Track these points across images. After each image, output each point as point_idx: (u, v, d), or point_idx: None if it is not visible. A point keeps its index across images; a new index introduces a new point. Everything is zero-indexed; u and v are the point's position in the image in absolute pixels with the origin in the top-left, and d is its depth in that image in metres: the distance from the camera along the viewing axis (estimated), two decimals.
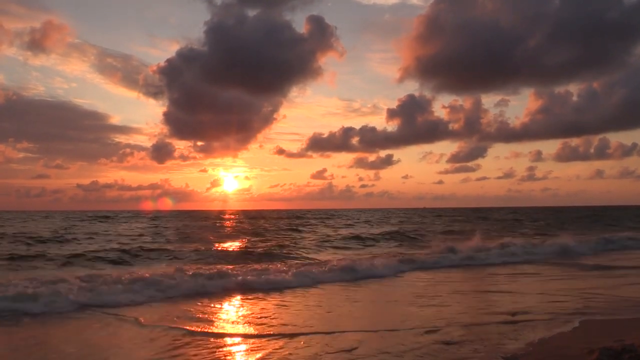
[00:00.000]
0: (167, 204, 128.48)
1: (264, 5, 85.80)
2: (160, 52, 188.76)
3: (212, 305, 10.20)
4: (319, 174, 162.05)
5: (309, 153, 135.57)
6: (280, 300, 10.59)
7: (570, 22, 60.05)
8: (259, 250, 21.58)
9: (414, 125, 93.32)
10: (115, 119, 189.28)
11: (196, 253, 19.94)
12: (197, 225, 47.32)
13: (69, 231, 33.66)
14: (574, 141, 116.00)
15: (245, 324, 8.43)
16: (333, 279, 13.41)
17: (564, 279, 13.62)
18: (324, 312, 9.35)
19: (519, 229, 38.57)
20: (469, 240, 21.72)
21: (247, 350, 6.82)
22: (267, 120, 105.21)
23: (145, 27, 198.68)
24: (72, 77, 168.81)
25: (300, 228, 39.76)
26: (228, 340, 7.39)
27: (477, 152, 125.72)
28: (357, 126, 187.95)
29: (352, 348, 6.67)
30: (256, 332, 7.77)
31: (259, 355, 6.51)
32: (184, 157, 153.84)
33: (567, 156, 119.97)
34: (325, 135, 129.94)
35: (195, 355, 6.52)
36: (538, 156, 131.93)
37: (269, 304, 10.25)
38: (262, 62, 64.03)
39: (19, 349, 6.99)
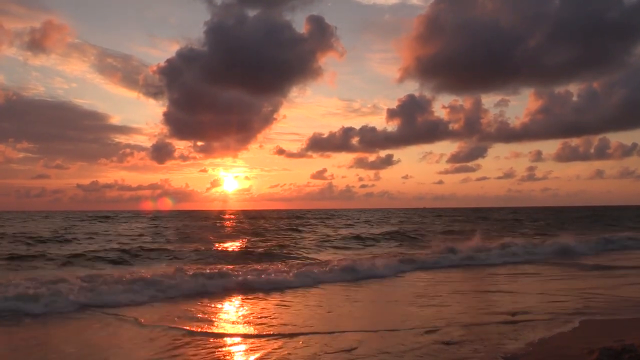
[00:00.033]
0: (167, 204, 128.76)
1: (264, 5, 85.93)
2: (160, 52, 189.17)
3: (212, 305, 10.20)
4: (319, 174, 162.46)
5: (309, 153, 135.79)
6: (281, 300, 10.59)
7: (570, 22, 60.16)
8: (259, 250, 21.58)
9: (414, 126, 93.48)
10: (115, 119, 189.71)
11: (196, 253, 19.94)
12: (197, 225, 47.32)
13: (69, 231, 33.67)
14: (574, 141, 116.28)
15: (245, 324, 8.43)
16: (334, 279, 13.41)
17: (564, 279, 13.62)
18: (324, 312, 9.35)
19: (519, 229, 38.57)
20: (469, 241, 21.73)
21: (246, 350, 6.83)
22: (267, 120, 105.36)
23: (145, 27, 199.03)
24: (72, 77, 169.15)
25: (301, 228, 39.76)
26: (227, 340, 7.39)
27: (477, 152, 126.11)
28: (357, 126, 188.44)
29: (351, 348, 6.67)
30: (255, 332, 7.77)
31: (257, 355, 6.51)
32: (184, 157, 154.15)
33: (567, 156, 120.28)
34: (325, 135, 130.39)
35: (194, 355, 6.52)
36: (538, 156, 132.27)
37: (269, 303, 10.25)
38: (262, 62, 64.17)
39: (20, 349, 6.99)
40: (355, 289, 12.15)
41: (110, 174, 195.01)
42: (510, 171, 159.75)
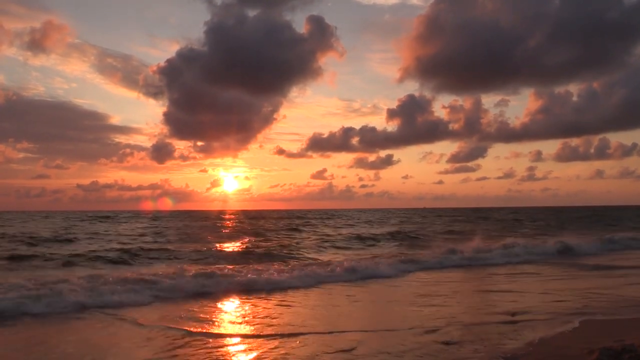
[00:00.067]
0: (167, 204, 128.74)
1: (264, 5, 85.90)
2: (160, 52, 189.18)
3: (212, 305, 10.20)
4: (319, 174, 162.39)
5: (309, 153, 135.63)
6: (281, 300, 10.58)
7: (570, 22, 60.18)
8: (260, 250, 21.59)
9: (414, 126, 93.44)
10: (115, 119, 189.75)
11: (196, 253, 19.95)
12: (197, 225, 47.32)
13: (69, 231, 33.67)
14: (574, 141, 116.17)
15: (245, 324, 8.43)
16: (334, 279, 13.40)
17: (564, 279, 13.62)
18: (324, 312, 9.35)
19: (519, 229, 38.58)
20: (469, 241, 21.73)
21: (244, 350, 6.82)
22: (267, 120, 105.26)
23: (145, 27, 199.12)
24: (72, 77, 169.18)
25: (301, 228, 39.77)
26: (227, 340, 7.39)
27: (477, 152, 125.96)
28: (357, 126, 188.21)
29: (351, 348, 6.67)
30: (254, 332, 7.77)
31: (256, 354, 6.52)
32: (184, 157, 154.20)
33: (567, 156, 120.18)
34: (325, 135, 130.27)
35: (193, 355, 6.52)
36: (538, 156, 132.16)
37: (269, 303, 10.24)
38: (262, 62, 64.17)
39: (20, 349, 6.99)
40: (356, 289, 12.15)
41: (110, 174, 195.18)
42: (510, 171, 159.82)
